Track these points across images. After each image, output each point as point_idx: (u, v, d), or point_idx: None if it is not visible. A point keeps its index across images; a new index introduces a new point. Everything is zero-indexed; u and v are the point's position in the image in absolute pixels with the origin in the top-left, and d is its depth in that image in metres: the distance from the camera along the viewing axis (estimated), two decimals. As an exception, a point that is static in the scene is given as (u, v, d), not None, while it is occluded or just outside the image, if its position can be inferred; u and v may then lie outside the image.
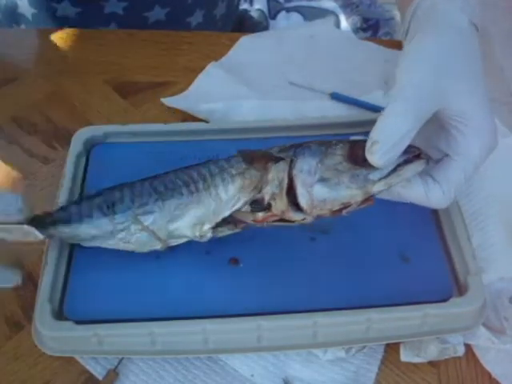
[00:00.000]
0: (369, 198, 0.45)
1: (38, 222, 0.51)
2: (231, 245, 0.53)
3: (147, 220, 0.50)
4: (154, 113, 0.71)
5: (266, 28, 1.43)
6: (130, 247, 0.51)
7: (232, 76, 0.73)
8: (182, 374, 0.50)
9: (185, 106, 0.70)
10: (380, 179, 0.44)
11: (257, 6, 1.48)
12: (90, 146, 0.62)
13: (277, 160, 0.47)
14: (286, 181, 0.46)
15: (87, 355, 0.50)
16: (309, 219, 0.47)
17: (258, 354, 0.51)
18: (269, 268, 0.52)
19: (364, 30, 1.53)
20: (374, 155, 0.42)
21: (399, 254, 0.53)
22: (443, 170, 0.45)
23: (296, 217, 0.47)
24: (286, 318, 0.48)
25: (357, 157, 0.44)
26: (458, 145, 0.44)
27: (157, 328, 0.48)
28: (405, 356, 0.50)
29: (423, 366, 0.51)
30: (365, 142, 0.43)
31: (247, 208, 0.48)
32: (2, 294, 0.55)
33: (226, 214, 0.49)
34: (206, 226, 0.50)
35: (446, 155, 0.45)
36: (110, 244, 0.51)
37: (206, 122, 0.67)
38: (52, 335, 0.49)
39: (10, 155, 0.67)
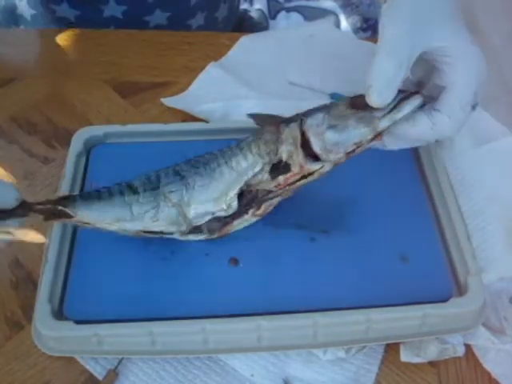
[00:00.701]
0: (377, 136, 0.48)
1: (66, 201, 0.51)
2: (231, 245, 0.53)
3: (174, 198, 0.51)
4: (154, 113, 0.71)
5: (265, 28, 1.43)
6: (158, 227, 0.51)
7: (232, 76, 0.73)
8: (182, 374, 0.50)
9: (185, 106, 0.69)
10: (384, 116, 0.47)
11: (257, 5, 1.48)
12: (89, 146, 0.62)
13: (288, 122, 0.50)
14: (299, 136, 0.49)
15: (87, 355, 0.50)
16: (327, 166, 0.49)
17: (258, 353, 0.51)
18: (269, 268, 0.52)
19: (364, 29, 1.53)
20: (371, 97, 0.46)
21: (399, 254, 0.53)
22: (443, 99, 0.48)
23: (314, 167, 0.49)
24: (286, 317, 0.48)
25: (358, 104, 0.48)
26: (450, 75, 0.48)
27: (157, 328, 0.48)
28: (405, 356, 0.50)
29: (423, 366, 0.51)
30: (361, 95, 0.47)
31: (268, 177, 0.50)
32: (2, 294, 0.55)
33: (249, 176, 0.51)
34: (231, 193, 0.51)
35: (443, 88, 0.49)
36: (136, 225, 0.51)
37: (206, 122, 0.67)
38: (52, 335, 0.49)
39: (10, 155, 0.67)
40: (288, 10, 1.53)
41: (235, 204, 0.51)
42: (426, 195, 0.58)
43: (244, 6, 1.39)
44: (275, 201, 0.52)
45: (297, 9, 1.53)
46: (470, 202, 0.59)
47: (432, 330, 0.49)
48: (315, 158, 0.49)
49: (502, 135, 0.65)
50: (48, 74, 0.76)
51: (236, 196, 0.51)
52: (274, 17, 1.51)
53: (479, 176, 0.61)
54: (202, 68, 0.74)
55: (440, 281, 0.51)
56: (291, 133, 0.50)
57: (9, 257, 0.57)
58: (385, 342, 0.51)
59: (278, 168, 0.50)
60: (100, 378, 0.50)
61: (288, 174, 0.50)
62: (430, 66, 0.50)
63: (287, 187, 0.50)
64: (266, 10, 1.49)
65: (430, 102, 0.49)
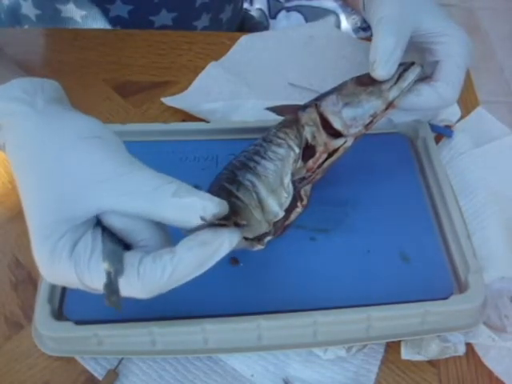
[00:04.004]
0: (391, 105, 0.52)
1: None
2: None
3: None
4: (154, 113, 0.71)
5: (266, 28, 1.42)
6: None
7: (232, 76, 0.73)
8: (181, 374, 0.50)
9: (185, 105, 0.69)
10: (391, 87, 0.51)
11: (257, 5, 1.48)
12: (89, 146, 0.62)
13: (304, 108, 0.53)
14: (318, 118, 0.52)
15: (87, 355, 0.50)
16: (349, 141, 0.52)
17: (258, 353, 0.51)
18: (268, 267, 0.52)
19: (364, 29, 1.53)
20: (376, 71, 0.51)
21: (400, 253, 0.53)
22: (441, 69, 0.54)
23: (338, 143, 0.52)
24: (286, 316, 0.48)
25: (365, 82, 0.52)
26: (444, 50, 0.54)
27: (157, 328, 0.48)
28: (405, 354, 0.50)
29: (423, 365, 0.51)
30: (366, 74, 0.52)
31: (301, 163, 0.51)
32: (2, 294, 0.55)
33: (292, 159, 0.51)
34: (286, 180, 0.50)
35: (437, 62, 0.54)
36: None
37: (206, 121, 0.67)
38: (52, 335, 0.49)
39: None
40: (288, 9, 1.53)
41: (292, 188, 0.50)
42: (427, 195, 0.58)
43: (244, 5, 1.39)
44: (308, 187, 0.53)
45: (297, 8, 1.53)
46: (470, 202, 0.59)
47: (433, 328, 0.49)
48: (337, 135, 0.52)
49: (502, 135, 0.65)
50: (48, 74, 0.76)
51: (291, 181, 0.50)
52: (274, 16, 1.51)
53: (479, 176, 0.61)
54: (202, 68, 0.74)
55: (441, 279, 0.51)
56: (310, 116, 0.52)
57: (9, 257, 0.57)
58: (386, 341, 0.51)
59: (305, 152, 0.52)
60: (100, 378, 0.50)
61: (316, 156, 0.51)
62: (419, 49, 0.55)
63: (317, 170, 0.52)
64: (266, 10, 1.49)
65: (426, 75, 0.54)
